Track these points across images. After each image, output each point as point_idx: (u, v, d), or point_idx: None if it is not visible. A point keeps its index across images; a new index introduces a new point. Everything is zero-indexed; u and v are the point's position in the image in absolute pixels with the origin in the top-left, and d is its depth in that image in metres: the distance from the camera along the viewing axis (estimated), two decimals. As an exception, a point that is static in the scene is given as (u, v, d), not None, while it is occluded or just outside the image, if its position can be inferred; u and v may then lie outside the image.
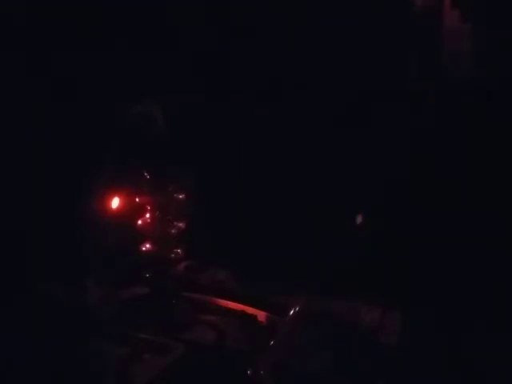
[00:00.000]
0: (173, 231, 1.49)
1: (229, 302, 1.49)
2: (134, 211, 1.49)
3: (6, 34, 1.51)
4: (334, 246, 1.65)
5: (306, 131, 1.68)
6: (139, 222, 1.49)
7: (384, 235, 1.59)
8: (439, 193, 1.59)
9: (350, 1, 1.64)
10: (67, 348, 1.27)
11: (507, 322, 1.40)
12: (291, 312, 1.39)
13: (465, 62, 1.61)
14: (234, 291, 1.57)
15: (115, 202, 1.48)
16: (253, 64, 1.71)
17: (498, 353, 1.31)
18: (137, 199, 1.48)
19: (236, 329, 1.41)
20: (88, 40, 1.63)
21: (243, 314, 1.45)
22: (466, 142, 1.59)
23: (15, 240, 1.48)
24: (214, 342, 1.36)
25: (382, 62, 1.62)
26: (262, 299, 1.50)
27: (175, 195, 1.49)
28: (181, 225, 1.50)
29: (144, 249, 1.49)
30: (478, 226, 1.54)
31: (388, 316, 1.46)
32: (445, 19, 1.63)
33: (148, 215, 1.49)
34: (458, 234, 1.56)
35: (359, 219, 1.62)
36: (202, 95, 1.71)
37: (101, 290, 1.48)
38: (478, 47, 1.60)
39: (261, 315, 1.45)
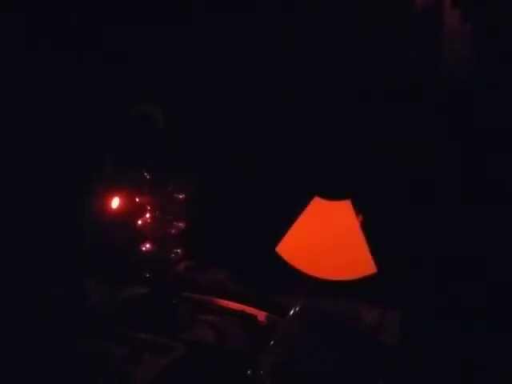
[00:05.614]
0: (173, 231, 1.49)
1: (229, 302, 1.50)
2: (134, 211, 1.49)
3: (4, 32, 1.51)
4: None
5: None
6: (139, 222, 1.49)
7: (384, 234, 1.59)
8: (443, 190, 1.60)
9: (350, 0, 1.64)
10: (67, 348, 1.27)
11: (507, 322, 1.40)
12: (291, 312, 1.39)
13: (465, 62, 1.61)
14: (234, 291, 1.57)
15: (115, 202, 1.48)
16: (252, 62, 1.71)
17: (498, 353, 1.31)
18: (137, 199, 1.49)
19: (236, 329, 1.41)
20: (88, 40, 1.63)
21: (243, 313, 1.45)
22: (464, 141, 1.60)
23: (15, 240, 1.48)
24: (214, 341, 1.36)
25: (382, 62, 1.62)
26: (262, 299, 1.50)
27: (175, 195, 1.49)
28: (181, 225, 1.50)
29: (144, 249, 1.49)
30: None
31: (388, 316, 1.46)
32: (445, 19, 1.63)
33: (148, 215, 1.49)
34: (457, 230, 1.56)
35: (359, 219, 1.61)
36: (202, 95, 1.71)
37: (101, 290, 1.48)
38: (478, 47, 1.60)
39: (261, 315, 1.45)
